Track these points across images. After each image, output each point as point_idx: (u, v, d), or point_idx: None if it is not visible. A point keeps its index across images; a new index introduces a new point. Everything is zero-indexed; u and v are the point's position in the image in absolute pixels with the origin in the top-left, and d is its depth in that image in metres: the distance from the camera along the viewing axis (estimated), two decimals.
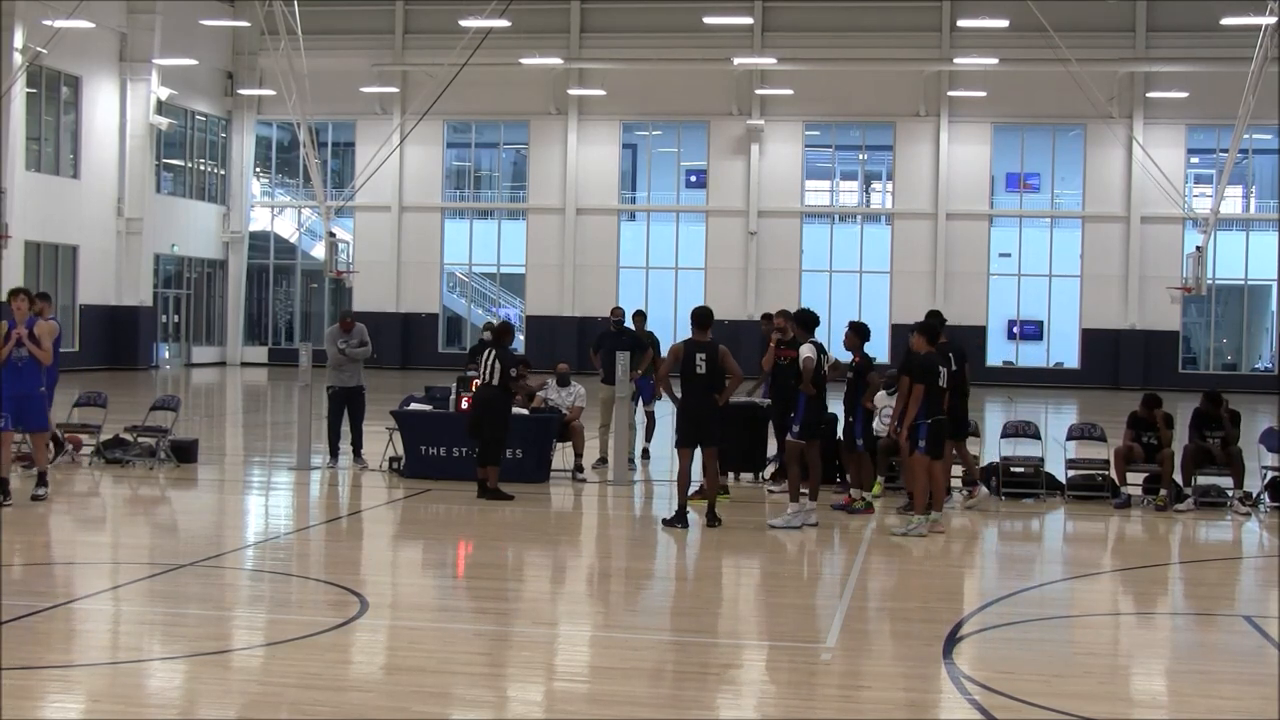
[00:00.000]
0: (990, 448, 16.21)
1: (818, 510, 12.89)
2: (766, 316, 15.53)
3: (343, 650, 8.12)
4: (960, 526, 13.34)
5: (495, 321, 16.59)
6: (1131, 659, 8.72)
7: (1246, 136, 37.74)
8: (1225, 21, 34.87)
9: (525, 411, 15.45)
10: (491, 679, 7.62)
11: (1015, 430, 15.82)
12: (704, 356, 12.59)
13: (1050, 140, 42.19)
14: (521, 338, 42.97)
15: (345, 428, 16.53)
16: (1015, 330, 42.26)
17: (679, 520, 12.50)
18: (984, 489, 14.49)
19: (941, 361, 12.95)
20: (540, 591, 10.39)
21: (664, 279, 42.96)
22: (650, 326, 17.99)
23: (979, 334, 40.30)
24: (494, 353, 14.36)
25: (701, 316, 12.85)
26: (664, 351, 17.75)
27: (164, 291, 42.03)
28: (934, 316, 13.75)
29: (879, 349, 23.80)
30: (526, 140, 44.12)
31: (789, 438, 12.91)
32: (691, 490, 13.10)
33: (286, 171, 47.69)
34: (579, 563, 11.76)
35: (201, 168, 44.31)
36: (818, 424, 12.97)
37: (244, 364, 44.67)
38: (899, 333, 35.59)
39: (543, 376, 16.82)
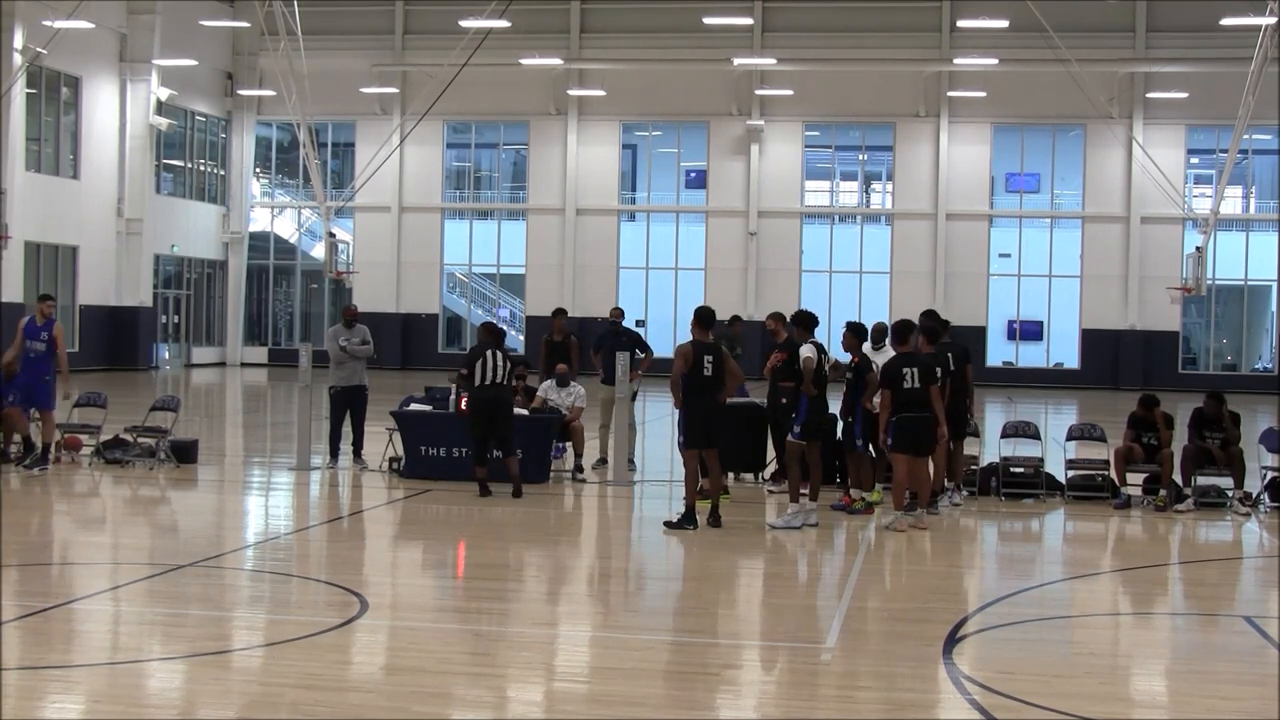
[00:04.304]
0: (990, 448, 16.19)
1: (818, 510, 12.89)
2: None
3: (343, 650, 8.13)
4: (961, 527, 13.35)
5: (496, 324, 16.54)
6: (1131, 659, 8.72)
7: (1246, 137, 37.73)
8: (1225, 22, 34.85)
9: (525, 411, 15.44)
10: (491, 679, 7.62)
11: (1015, 430, 15.82)
12: (711, 359, 12.61)
13: (1050, 140, 42.18)
14: (521, 338, 43.00)
15: (346, 428, 16.52)
16: (1015, 330, 42.25)
17: (687, 521, 12.49)
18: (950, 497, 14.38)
19: (936, 362, 13.02)
20: (540, 591, 10.40)
21: (664, 279, 42.96)
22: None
23: (979, 334, 40.30)
24: (499, 353, 14.35)
25: (706, 317, 12.85)
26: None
27: (164, 292, 42.02)
28: (928, 317, 13.93)
29: None
30: (526, 140, 44.12)
31: (790, 438, 12.92)
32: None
33: (286, 172, 47.69)
34: (579, 563, 11.76)
35: (201, 168, 44.31)
36: (819, 425, 12.98)
37: (244, 364, 44.68)
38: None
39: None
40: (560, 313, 17.79)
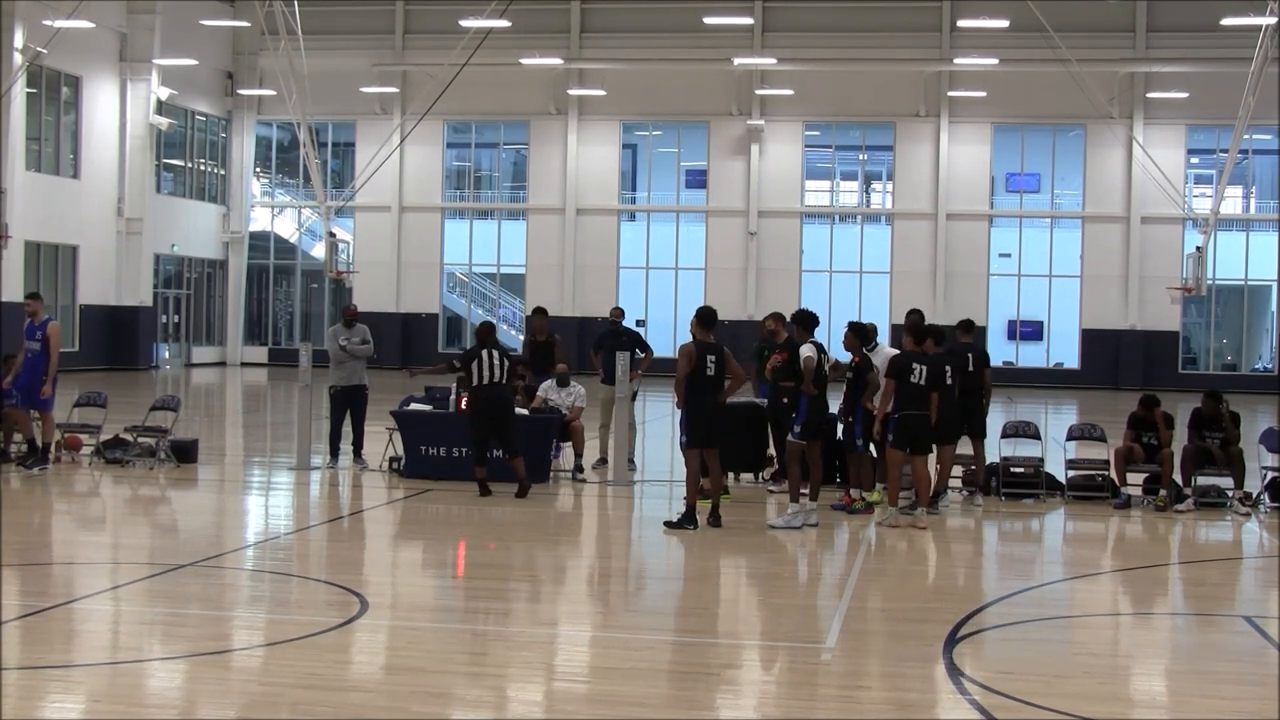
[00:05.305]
0: (990, 448, 16.16)
1: (818, 510, 12.89)
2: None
3: (343, 650, 8.13)
4: (961, 527, 13.35)
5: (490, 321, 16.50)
6: (1131, 659, 8.72)
7: (1246, 136, 37.71)
8: (1225, 21, 34.86)
9: (525, 411, 15.43)
10: (491, 679, 7.62)
11: (1015, 430, 15.83)
12: (714, 358, 12.61)
13: (1050, 140, 42.19)
14: (521, 338, 42.96)
15: (346, 428, 16.51)
16: (1015, 330, 42.25)
17: (687, 521, 12.48)
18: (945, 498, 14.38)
19: (918, 360, 13.06)
20: (540, 591, 10.38)
21: (664, 279, 42.95)
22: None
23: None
24: (496, 352, 14.33)
25: (708, 317, 12.85)
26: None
27: (164, 291, 42.02)
28: (912, 316, 14.12)
29: None
30: (526, 140, 44.12)
31: (790, 438, 12.92)
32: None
33: (286, 171, 47.69)
34: (579, 563, 11.76)
35: (201, 168, 44.31)
36: (819, 425, 12.98)
37: (244, 364, 44.68)
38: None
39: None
40: (540, 312, 17.71)
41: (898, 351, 13.71)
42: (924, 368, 12.96)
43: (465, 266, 45.45)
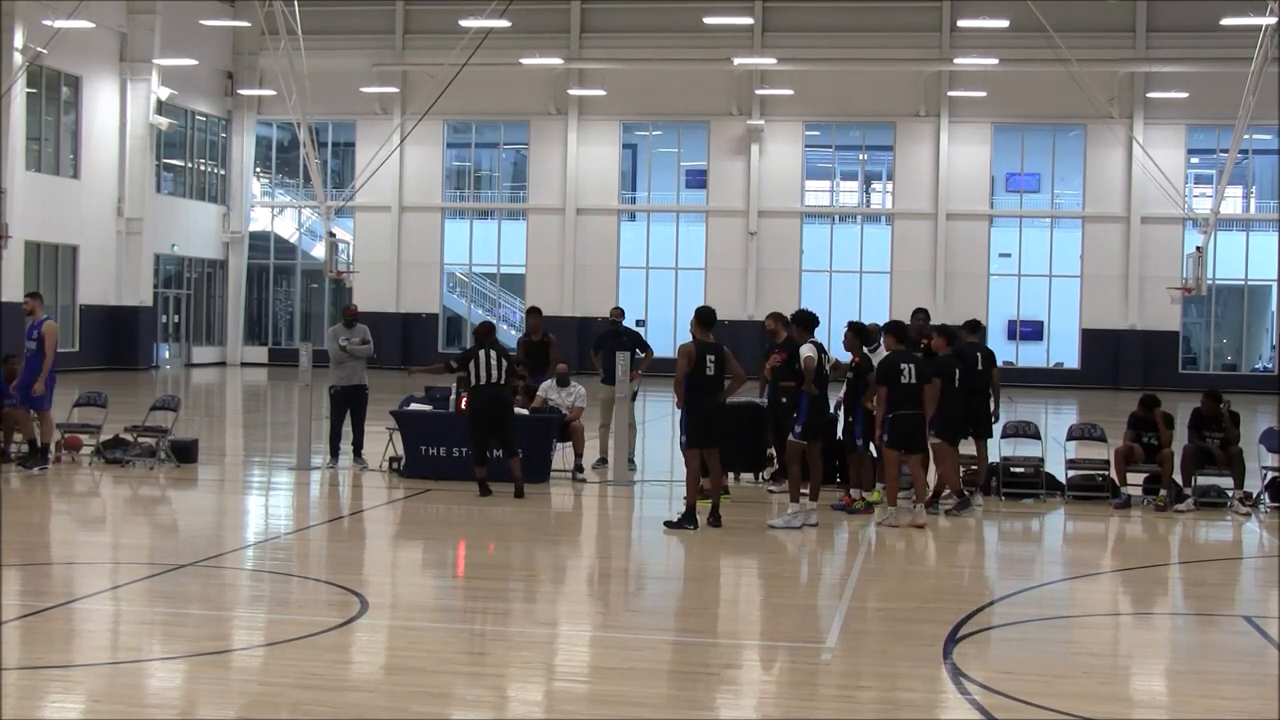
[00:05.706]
0: (990, 447, 16.20)
1: (818, 510, 12.89)
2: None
3: (343, 650, 8.13)
4: (961, 526, 13.35)
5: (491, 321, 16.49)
6: (1131, 659, 8.72)
7: (1246, 136, 37.71)
8: (1225, 21, 34.89)
9: (525, 411, 15.43)
10: (491, 679, 7.62)
11: (1015, 430, 15.83)
12: (713, 358, 12.62)
13: (1050, 140, 42.19)
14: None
15: (346, 428, 16.51)
16: (1015, 330, 42.25)
17: (687, 521, 12.48)
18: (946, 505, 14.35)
19: (904, 360, 13.06)
20: (540, 591, 10.38)
21: (664, 279, 42.95)
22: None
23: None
24: (494, 352, 14.32)
25: (708, 317, 12.86)
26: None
27: (164, 291, 42.02)
28: (918, 315, 14.13)
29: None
30: (526, 140, 44.12)
31: (790, 438, 12.92)
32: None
33: (286, 171, 47.69)
34: (579, 563, 11.76)
35: (201, 168, 44.31)
36: (819, 424, 12.98)
37: (244, 364, 44.68)
38: None
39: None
40: (534, 312, 17.67)
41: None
42: (911, 367, 12.97)
43: (465, 266, 45.45)
